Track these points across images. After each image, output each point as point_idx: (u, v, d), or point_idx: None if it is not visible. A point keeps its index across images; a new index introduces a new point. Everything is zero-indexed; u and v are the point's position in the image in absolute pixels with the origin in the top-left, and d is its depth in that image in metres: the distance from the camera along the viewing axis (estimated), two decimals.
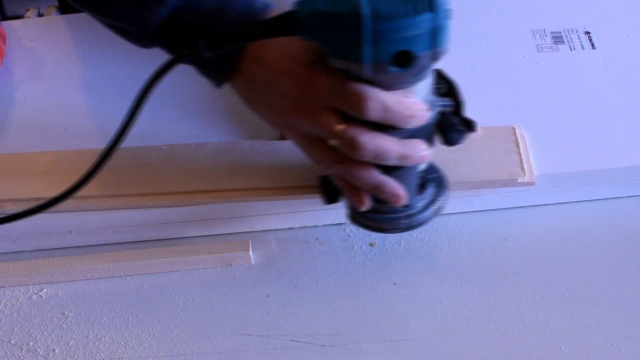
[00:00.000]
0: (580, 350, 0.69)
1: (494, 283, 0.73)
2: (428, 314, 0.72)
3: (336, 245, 0.77)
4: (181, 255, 0.76)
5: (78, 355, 0.71)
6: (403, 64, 0.59)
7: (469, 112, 0.83)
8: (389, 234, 0.76)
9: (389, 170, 0.67)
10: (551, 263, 0.75)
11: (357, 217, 0.72)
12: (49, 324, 0.73)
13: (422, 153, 0.66)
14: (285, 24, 0.61)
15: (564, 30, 0.92)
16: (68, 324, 0.73)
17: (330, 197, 0.73)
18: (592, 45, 0.90)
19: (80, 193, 0.75)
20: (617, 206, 0.79)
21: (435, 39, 0.59)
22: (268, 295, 0.74)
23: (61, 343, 0.72)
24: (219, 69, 0.70)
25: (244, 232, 0.79)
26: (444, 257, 0.76)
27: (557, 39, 0.90)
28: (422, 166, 0.70)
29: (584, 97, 0.84)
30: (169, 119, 0.87)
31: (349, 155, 0.64)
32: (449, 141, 0.69)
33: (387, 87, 0.62)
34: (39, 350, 0.71)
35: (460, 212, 0.79)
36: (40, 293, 0.76)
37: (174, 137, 0.84)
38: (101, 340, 0.72)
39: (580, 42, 0.90)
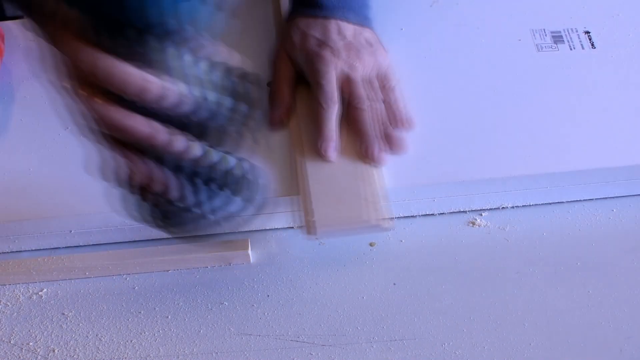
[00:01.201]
0: (580, 350, 0.69)
1: (494, 283, 0.73)
2: (428, 314, 0.72)
3: (336, 245, 0.77)
4: (181, 255, 0.76)
5: (78, 355, 0.71)
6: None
7: (468, 111, 0.83)
8: None
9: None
10: (551, 263, 0.75)
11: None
12: (49, 324, 0.73)
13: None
14: None
15: (563, 30, 0.91)
16: (68, 324, 0.73)
17: None
18: (592, 44, 0.90)
19: None
20: (617, 206, 0.78)
21: None
22: (268, 295, 0.74)
23: (61, 343, 0.72)
24: None
25: (243, 232, 0.79)
26: (444, 257, 0.76)
27: (557, 38, 0.90)
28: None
29: (583, 96, 0.84)
30: None
31: None
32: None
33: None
34: (39, 350, 0.71)
35: (459, 212, 0.79)
36: (40, 293, 0.76)
37: None
38: (101, 340, 0.72)
39: (580, 41, 0.90)
